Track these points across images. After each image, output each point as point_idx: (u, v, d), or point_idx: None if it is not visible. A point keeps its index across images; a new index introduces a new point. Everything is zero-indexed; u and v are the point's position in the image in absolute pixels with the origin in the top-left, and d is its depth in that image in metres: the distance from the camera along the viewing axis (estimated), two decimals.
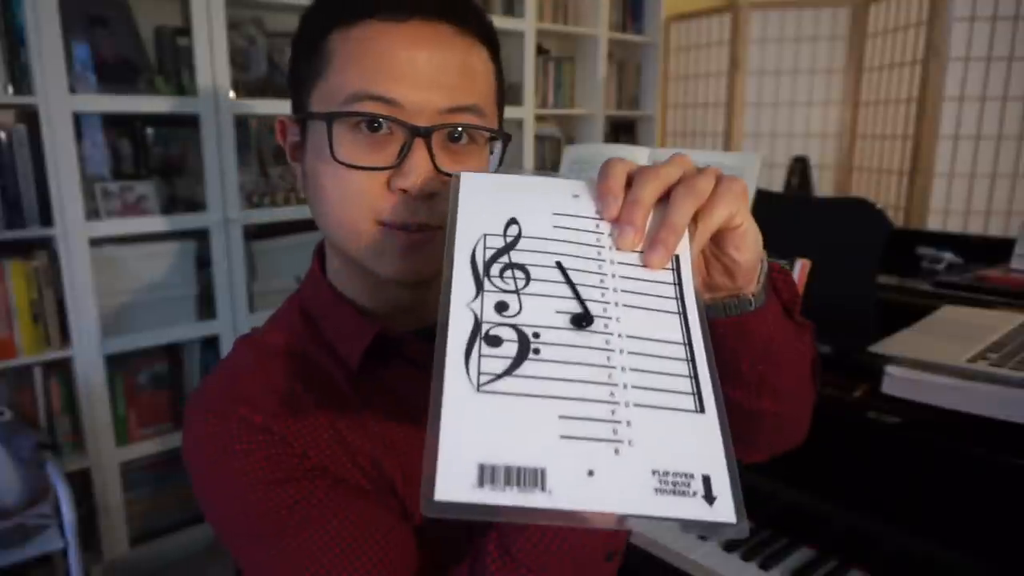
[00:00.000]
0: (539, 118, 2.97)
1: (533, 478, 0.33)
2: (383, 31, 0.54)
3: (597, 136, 3.15)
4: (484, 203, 0.44)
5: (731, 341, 0.53)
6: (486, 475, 0.33)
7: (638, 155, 1.38)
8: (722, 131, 3.48)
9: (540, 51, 2.90)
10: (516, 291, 0.40)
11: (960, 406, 0.92)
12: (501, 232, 0.43)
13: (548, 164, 3.00)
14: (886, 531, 1.02)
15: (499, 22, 2.65)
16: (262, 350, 0.61)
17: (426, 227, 0.56)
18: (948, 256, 1.66)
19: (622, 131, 3.47)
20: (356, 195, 0.55)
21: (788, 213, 1.27)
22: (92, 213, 1.91)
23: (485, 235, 0.42)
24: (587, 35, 3.06)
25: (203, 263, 2.12)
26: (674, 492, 0.34)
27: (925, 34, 2.73)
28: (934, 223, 2.81)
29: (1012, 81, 2.64)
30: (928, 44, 2.72)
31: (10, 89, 1.75)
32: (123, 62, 1.97)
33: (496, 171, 0.60)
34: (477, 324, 0.38)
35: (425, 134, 0.54)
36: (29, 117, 1.80)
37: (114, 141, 2.04)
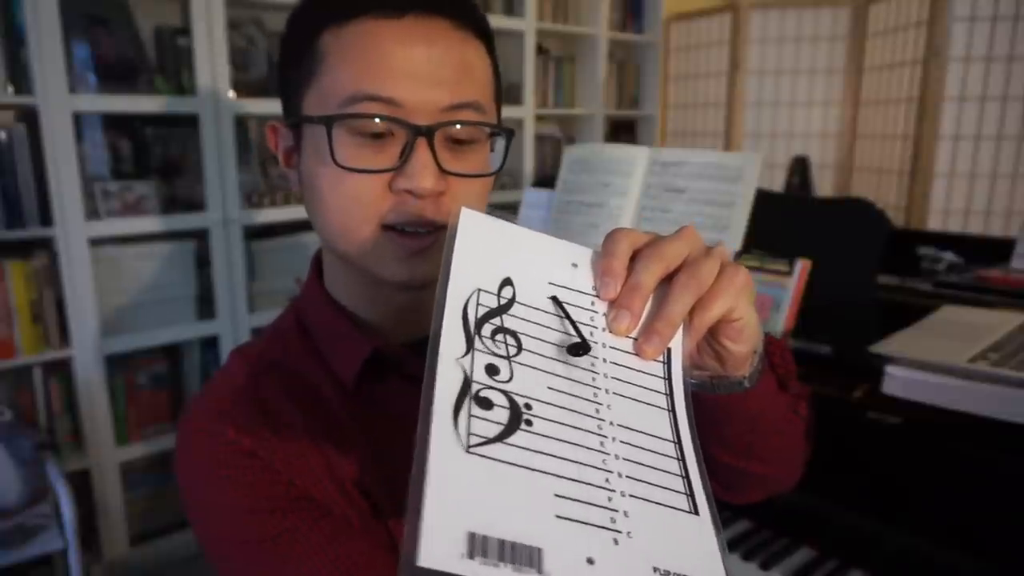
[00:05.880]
0: (539, 118, 2.97)
1: (529, 557, 0.30)
2: (378, 28, 0.52)
3: (597, 136, 3.15)
4: (481, 252, 0.41)
5: (719, 413, 0.53)
6: (477, 546, 0.29)
7: (638, 155, 1.38)
8: (722, 131, 3.48)
9: (540, 51, 2.90)
10: (508, 357, 0.38)
11: (960, 406, 0.92)
12: (495, 291, 0.40)
13: (548, 164, 3.00)
14: (886, 531, 1.02)
15: (499, 22, 2.66)
16: (256, 365, 0.60)
17: (432, 227, 0.54)
18: (948, 256, 1.66)
19: (622, 131, 3.47)
20: (358, 199, 0.53)
21: (788, 213, 1.27)
22: (92, 213, 1.91)
23: (479, 290, 0.40)
24: (587, 35, 3.06)
25: (203, 263, 2.12)
26: None
27: (925, 34, 2.73)
28: (934, 223, 2.81)
29: (1012, 81, 2.64)
30: (928, 44, 2.72)
31: (10, 89, 1.75)
32: (123, 62, 1.97)
33: (502, 167, 0.59)
34: (467, 382, 0.35)
35: (427, 133, 0.52)
36: (29, 117, 1.80)
37: (114, 141, 2.04)
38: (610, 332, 0.42)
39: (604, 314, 0.42)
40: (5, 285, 1.80)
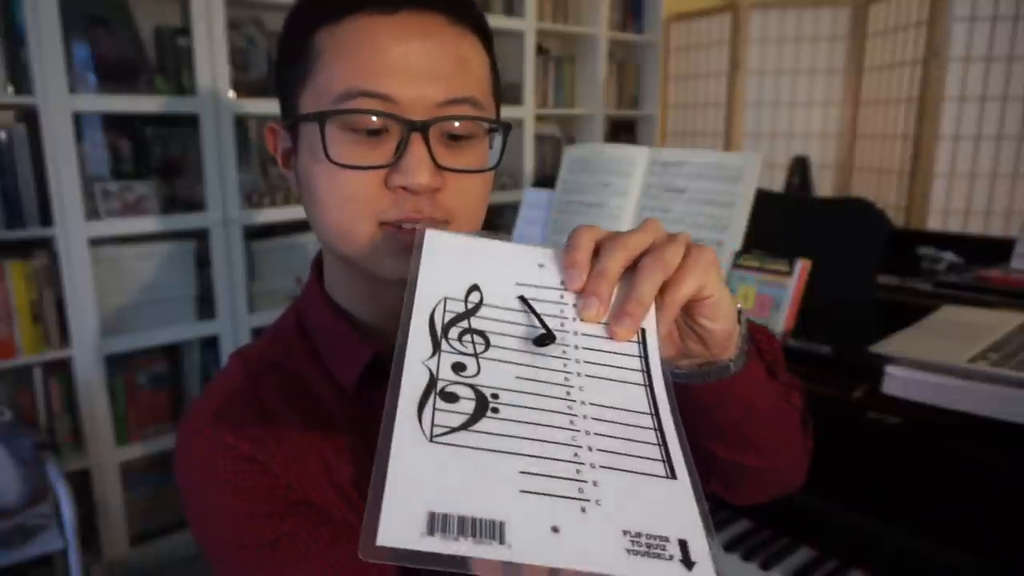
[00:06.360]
0: (539, 118, 2.97)
1: (491, 530, 0.31)
2: (372, 25, 0.52)
3: (597, 136, 3.15)
4: (446, 266, 0.43)
5: (708, 401, 0.53)
6: (436, 523, 0.31)
7: (638, 155, 1.38)
8: (722, 131, 3.48)
9: (540, 51, 2.90)
10: (475, 355, 0.40)
11: (960, 406, 0.92)
12: (462, 298, 0.42)
13: (548, 164, 3.00)
14: (886, 531, 1.02)
15: (499, 22, 2.66)
16: (255, 368, 0.60)
17: (430, 222, 0.54)
18: (948, 256, 1.66)
19: (622, 131, 3.47)
20: (353, 196, 0.53)
21: (788, 213, 1.27)
22: (92, 213, 1.91)
23: (445, 299, 0.42)
24: (587, 35, 3.06)
25: (203, 263, 2.12)
26: (648, 554, 0.33)
27: (925, 34, 2.73)
28: (934, 223, 2.81)
29: (1012, 81, 2.64)
30: (928, 44, 2.72)
31: (10, 89, 1.75)
32: (123, 62, 1.97)
33: (498, 163, 0.59)
34: (432, 380, 0.37)
35: (422, 129, 0.51)
36: (29, 117, 1.80)
37: (114, 141, 2.04)
38: (581, 320, 0.43)
39: (574, 305, 0.43)
40: (5, 285, 1.80)
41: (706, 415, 0.54)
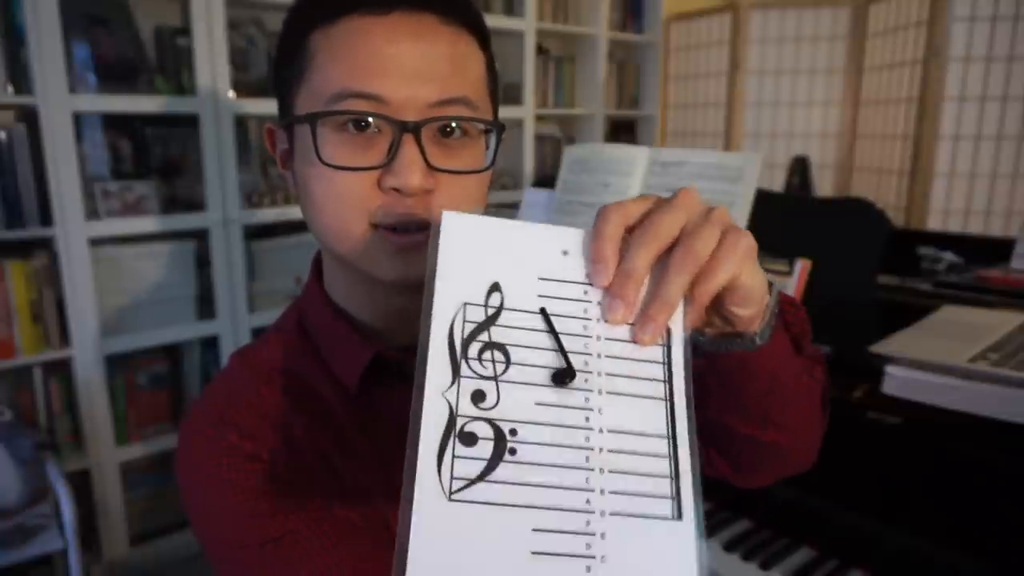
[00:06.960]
0: (539, 118, 2.97)
1: None
2: (365, 26, 0.52)
3: (597, 136, 3.15)
4: (466, 259, 0.41)
5: (734, 375, 0.51)
6: None
7: (638, 155, 1.38)
8: (722, 131, 3.48)
9: (540, 51, 2.90)
10: (494, 377, 0.38)
11: (960, 406, 0.92)
12: (483, 301, 0.40)
13: (548, 164, 3.00)
14: (886, 531, 1.02)
15: (499, 22, 2.66)
16: (256, 368, 0.60)
17: (423, 224, 0.53)
18: (948, 256, 1.66)
19: (622, 131, 3.47)
20: (346, 197, 0.52)
21: (788, 213, 1.27)
22: (92, 213, 1.91)
23: (465, 304, 0.39)
24: (587, 35, 3.06)
25: (203, 263, 2.12)
26: None
27: (925, 34, 2.73)
28: (934, 223, 2.81)
29: (1012, 81, 2.64)
30: (928, 44, 2.72)
31: (10, 89, 1.75)
32: (123, 62, 1.97)
33: (492, 163, 0.58)
34: (452, 418, 0.36)
35: (413, 129, 0.51)
36: (29, 117, 1.80)
37: (114, 141, 2.04)
38: (605, 321, 0.40)
39: (599, 303, 0.41)
40: (5, 285, 1.80)
41: (730, 387, 0.53)
